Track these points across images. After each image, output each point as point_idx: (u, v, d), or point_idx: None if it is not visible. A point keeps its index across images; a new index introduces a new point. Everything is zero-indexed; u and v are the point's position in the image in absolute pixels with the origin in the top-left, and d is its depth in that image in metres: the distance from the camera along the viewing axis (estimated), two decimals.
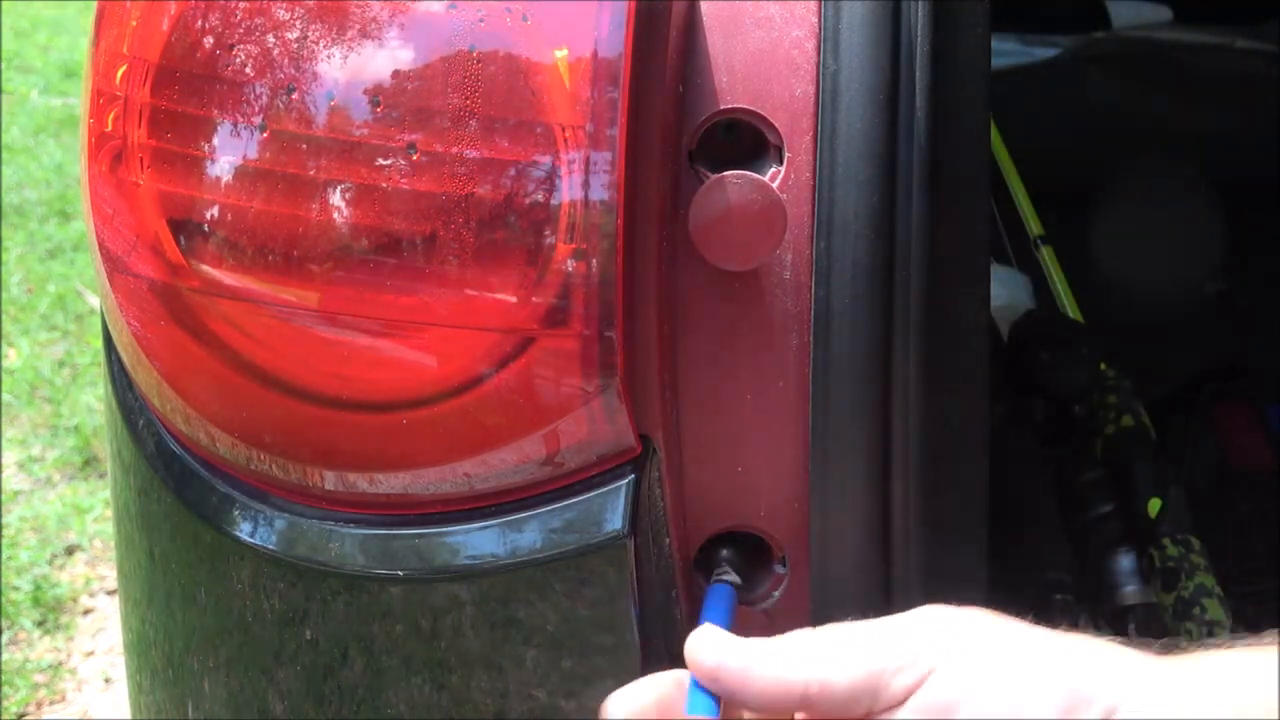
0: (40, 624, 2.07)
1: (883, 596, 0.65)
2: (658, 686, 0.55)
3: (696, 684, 0.53)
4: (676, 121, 0.62)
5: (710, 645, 0.54)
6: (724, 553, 0.67)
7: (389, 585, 0.66)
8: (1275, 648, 0.51)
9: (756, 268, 0.62)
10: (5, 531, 2.25)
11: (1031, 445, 1.24)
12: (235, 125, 0.61)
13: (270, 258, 0.61)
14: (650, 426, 0.63)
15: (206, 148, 0.62)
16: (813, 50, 0.62)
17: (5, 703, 1.91)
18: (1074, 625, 1.05)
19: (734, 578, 0.65)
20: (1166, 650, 0.52)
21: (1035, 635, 0.53)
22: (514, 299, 0.59)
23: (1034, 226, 1.52)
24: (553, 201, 0.58)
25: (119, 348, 0.75)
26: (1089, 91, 2.31)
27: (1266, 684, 0.49)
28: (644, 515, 0.63)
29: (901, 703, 0.50)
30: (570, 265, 0.58)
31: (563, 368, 0.60)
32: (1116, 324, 1.45)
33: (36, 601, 2.10)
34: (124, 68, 0.65)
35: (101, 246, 0.68)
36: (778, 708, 0.52)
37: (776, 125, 0.62)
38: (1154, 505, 1.14)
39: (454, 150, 0.58)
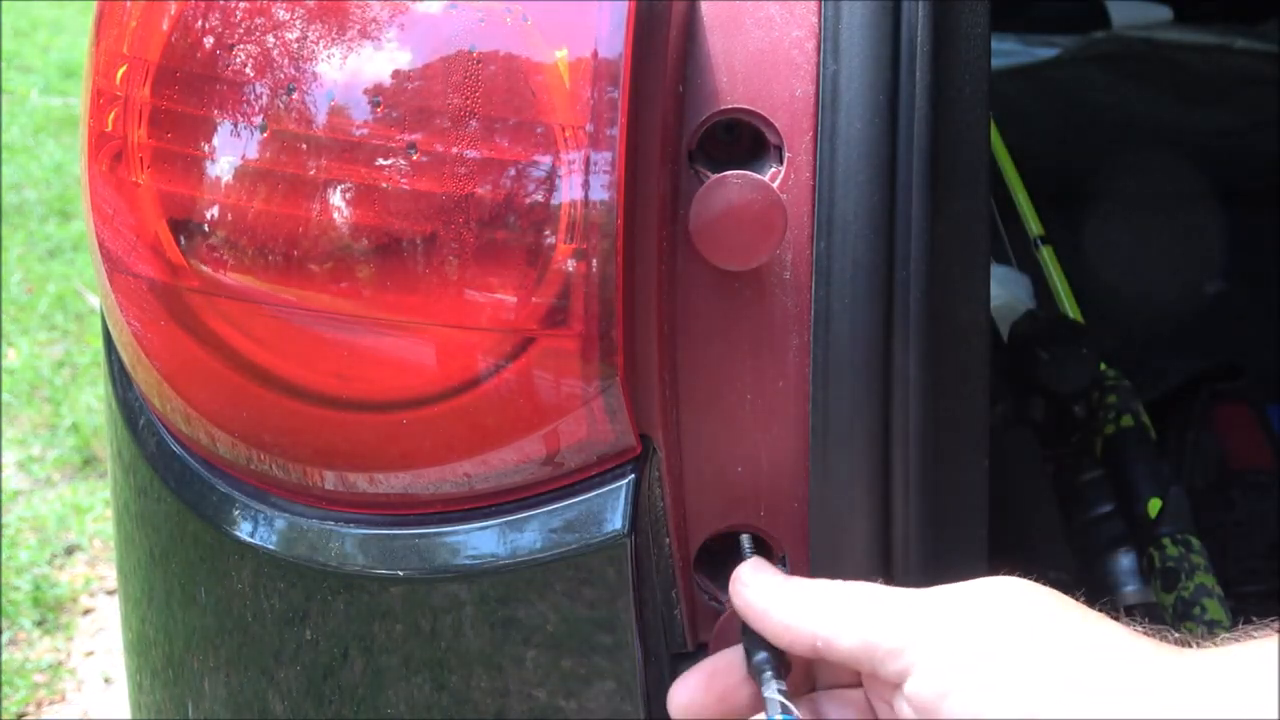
0: (40, 624, 2.07)
1: None
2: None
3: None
4: (676, 121, 0.62)
5: (749, 580, 0.61)
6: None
7: (389, 585, 0.66)
8: (1266, 641, 0.52)
9: (757, 268, 0.62)
10: (5, 531, 2.25)
11: (1031, 445, 1.24)
12: (235, 125, 0.61)
13: (270, 258, 0.61)
14: (650, 426, 0.63)
15: (206, 147, 0.62)
16: (813, 50, 0.62)
17: (5, 703, 1.91)
18: None
19: (795, 711, 0.59)
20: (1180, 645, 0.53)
21: (1062, 636, 0.52)
22: (514, 299, 0.59)
23: (1034, 226, 1.52)
24: (553, 201, 0.58)
25: (119, 348, 0.75)
26: (1089, 91, 2.31)
27: (1265, 688, 0.49)
28: (644, 515, 0.63)
29: (897, 685, 0.54)
30: (570, 265, 0.58)
31: (563, 368, 0.60)
32: (1116, 324, 1.45)
33: (36, 601, 2.10)
34: (124, 68, 0.65)
35: (101, 246, 0.68)
36: (795, 649, 0.58)
37: (776, 125, 0.62)
38: (1154, 505, 1.14)
39: (454, 150, 0.58)
